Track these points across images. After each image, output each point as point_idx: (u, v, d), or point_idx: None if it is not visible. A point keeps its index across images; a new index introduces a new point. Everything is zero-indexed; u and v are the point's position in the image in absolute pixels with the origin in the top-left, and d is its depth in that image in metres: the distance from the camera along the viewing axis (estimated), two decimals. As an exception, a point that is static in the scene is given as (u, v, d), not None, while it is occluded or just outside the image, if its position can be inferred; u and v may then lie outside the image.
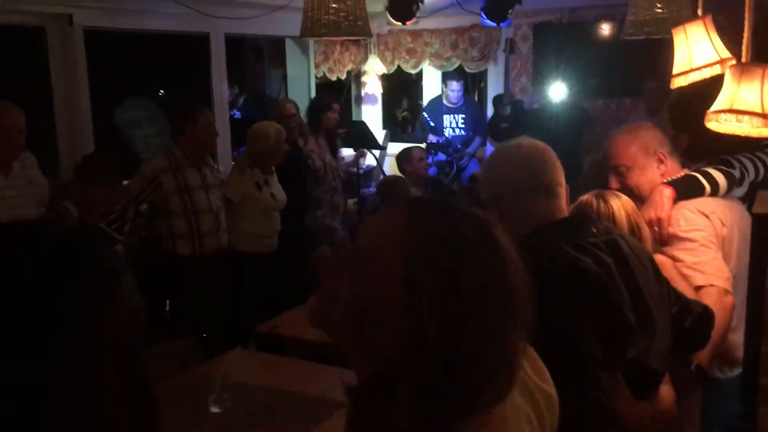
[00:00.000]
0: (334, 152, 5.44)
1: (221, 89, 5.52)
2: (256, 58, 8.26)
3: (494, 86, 6.50)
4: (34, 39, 4.32)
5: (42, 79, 4.34)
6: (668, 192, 2.23)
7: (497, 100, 6.31)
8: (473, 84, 7.39)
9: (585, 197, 2.13)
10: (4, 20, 4.11)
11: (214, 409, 2.42)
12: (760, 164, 2.41)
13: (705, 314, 1.86)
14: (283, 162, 4.44)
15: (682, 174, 2.31)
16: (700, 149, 2.46)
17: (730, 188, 2.31)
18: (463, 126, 6.47)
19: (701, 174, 2.28)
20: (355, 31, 3.85)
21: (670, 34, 2.43)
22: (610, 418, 1.35)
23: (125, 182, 3.91)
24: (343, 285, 0.90)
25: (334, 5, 3.74)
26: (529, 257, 0.90)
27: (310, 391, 2.56)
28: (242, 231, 4.26)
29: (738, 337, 2.24)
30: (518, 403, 0.97)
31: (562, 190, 1.63)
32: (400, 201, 0.96)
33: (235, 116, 7.12)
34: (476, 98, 7.54)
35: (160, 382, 2.44)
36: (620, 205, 2.09)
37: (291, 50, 6.70)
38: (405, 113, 8.98)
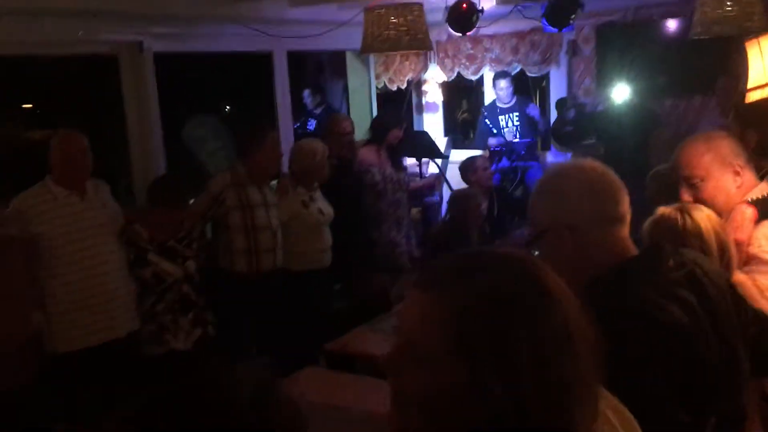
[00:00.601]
0: (396, 165, 5.41)
1: (285, 105, 5.61)
2: (318, 71, 8.36)
3: (557, 89, 6.41)
4: (107, 67, 4.49)
5: (116, 105, 4.50)
6: (750, 212, 2.14)
7: (560, 103, 6.23)
8: (533, 85, 7.29)
9: (665, 211, 1.98)
10: (80, 50, 4.30)
11: (290, 428, 2.47)
12: None
13: None
14: (325, 179, 4.37)
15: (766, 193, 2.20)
16: (770, 146, 2.37)
17: None
18: (518, 124, 6.41)
19: None
20: (415, 44, 3.85)
21: (739, 31, 2.35)
22: None
23: (192, 200, 4.01)
24: (408, 385, 0.87)
25: (394, 20, 3.76)
26: (610, 306, 0.85)
27: (382, 410, 2.57)
28: (294, 250, 4.21)
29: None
30: None
31: (629, 216, 1.50)
32: (425, 274, 0.90)
33: (309, 127, 7.19)
34: (536, 100, 7.45)
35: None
36: (706, 219, 1.92)
37: (351, 62, 6.76)
38: (465, 114, 8.96)
